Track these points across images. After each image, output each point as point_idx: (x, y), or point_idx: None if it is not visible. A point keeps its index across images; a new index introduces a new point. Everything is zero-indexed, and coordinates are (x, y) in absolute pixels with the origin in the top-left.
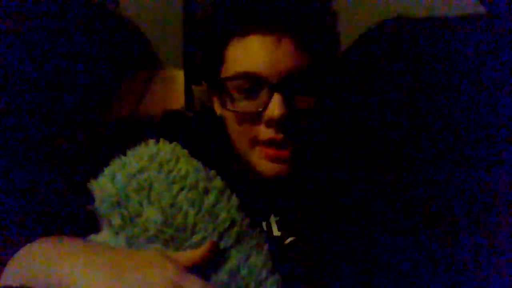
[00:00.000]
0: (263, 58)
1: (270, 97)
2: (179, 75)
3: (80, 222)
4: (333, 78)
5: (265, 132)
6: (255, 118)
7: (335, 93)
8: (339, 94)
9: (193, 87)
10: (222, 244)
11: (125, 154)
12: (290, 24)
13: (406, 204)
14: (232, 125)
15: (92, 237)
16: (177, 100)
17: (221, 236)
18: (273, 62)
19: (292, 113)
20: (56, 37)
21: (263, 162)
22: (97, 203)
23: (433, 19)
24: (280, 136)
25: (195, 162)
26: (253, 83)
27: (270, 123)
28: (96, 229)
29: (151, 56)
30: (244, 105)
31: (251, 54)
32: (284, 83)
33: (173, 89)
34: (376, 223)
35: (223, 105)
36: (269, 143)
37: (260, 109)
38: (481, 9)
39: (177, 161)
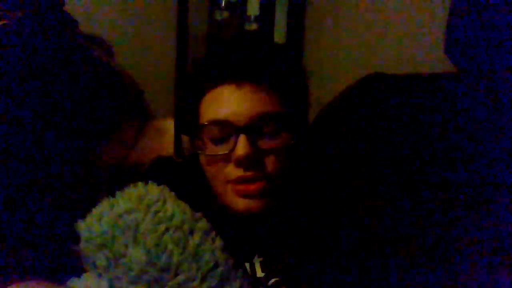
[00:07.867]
0: (230, 105)
1: (237, 139)
2: (170, 125)
3: (64, 263)
4: (298, 122)
5: (235, 171)
6: (226, 159)
7: (302, 135)
8: (306, 136)
9: (183, 136)
10: (205, 286)
11: (113, 196)
12: (254, 76)
13: (387, 240)
14: (208, 168)
15: (75, 279)
16: (167, 149)
17: (204, 278)
18: (239, 109)
19: (257, 152)
20: (49, 85)
21: (236, 199)
22: (82, 244)
23: (407, 76)
24: (248, 174)
25: (182, 204)
26: (222, 129)
27: (238, 163)
28: (79, 272)
29: (142, 107)
30: (216, 149)
31: (220, 103)
32: (249, 126)
33: (164, 138)
34: (359, 261)
35: (200, 150)
36: (238, 181)
37: (229, 151)
38: (452, 68)
39: (164, 202)
